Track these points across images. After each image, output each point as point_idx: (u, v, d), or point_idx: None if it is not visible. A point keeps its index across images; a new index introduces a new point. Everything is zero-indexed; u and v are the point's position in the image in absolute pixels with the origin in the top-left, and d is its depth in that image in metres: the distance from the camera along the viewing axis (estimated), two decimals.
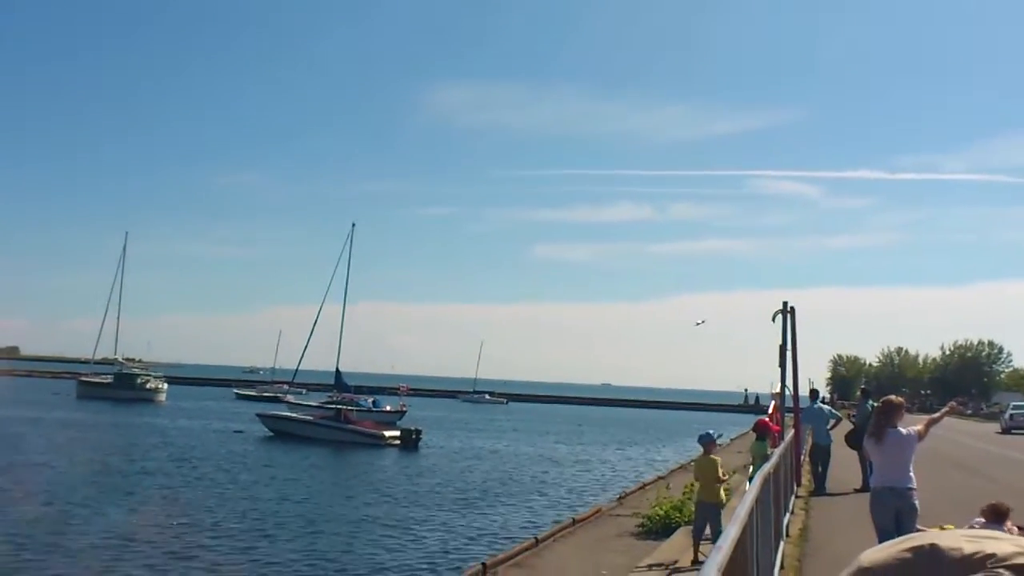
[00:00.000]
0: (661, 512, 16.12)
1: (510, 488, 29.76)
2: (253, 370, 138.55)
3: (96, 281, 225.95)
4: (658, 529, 15.66)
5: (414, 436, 43.56)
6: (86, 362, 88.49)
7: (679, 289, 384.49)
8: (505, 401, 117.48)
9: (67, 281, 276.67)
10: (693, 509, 14.77)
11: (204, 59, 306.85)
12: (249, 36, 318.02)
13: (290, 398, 61.11)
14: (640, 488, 23.84)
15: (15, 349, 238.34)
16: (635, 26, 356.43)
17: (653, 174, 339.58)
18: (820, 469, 18.41)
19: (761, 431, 14.26)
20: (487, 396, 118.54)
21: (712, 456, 11.82)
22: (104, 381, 78.13)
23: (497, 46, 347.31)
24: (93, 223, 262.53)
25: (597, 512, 19.14)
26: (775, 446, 13.59)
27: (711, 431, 12.18)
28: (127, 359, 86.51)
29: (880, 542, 2.90)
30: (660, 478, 25.91)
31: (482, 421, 72.96)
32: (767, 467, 7.72)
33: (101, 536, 18.37)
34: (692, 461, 28.20)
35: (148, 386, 77.59)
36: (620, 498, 22.01)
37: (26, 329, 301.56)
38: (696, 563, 10.94)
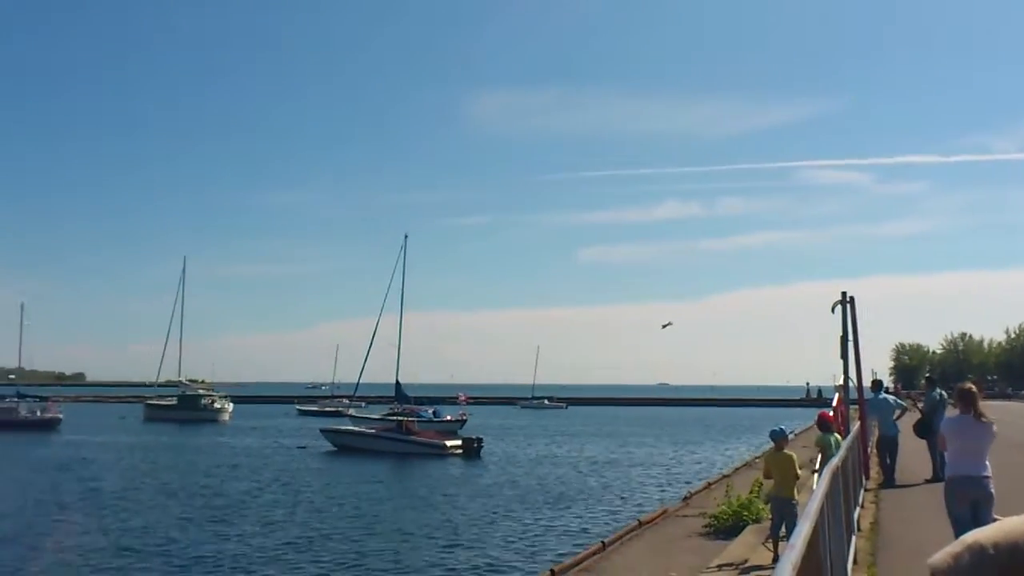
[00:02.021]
0: (729, 511, 15.96)
1: (573, 492, 29.71)
2: (316, 386, 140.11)
3: (158, 305, 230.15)
4: (726, 528, 15.50)
5: (475, 444, 43.71)
6: (150, 385, 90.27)
7: (733, 285, 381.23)
8: (564, 406, 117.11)
9: (130, 306, 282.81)
10: (763, 507, 14.63)
11: (248, 80, 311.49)
12: (290, 54, 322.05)
13: (352, 412, 61.61)
14: (705, 487, 23.63)
15: (81, 375, 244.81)
16: (673, 21, 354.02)
17: (699, 170, 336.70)
18: (889, 461, 18.07)
19: (824, 424, 13.99)
20: (546, 401, 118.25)
21: (786, 451, 11.63)
22: (169, 403, 79.60)
23: (533, 50, 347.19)
24: (153, 248, 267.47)
25: (663, 513, 19.03)
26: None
27: (783, 427, 12.01)
28: (190, 380, 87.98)
29: (957, 533, 2.87)
30: (725, 477, 25.64)
31: (542, 427, 72.89)
32: (835, 461, 7.62)
33: (191, 556, 18.76)
34: (757, 458, 27.96)
35: (212, 406, 78.86)
36: (686, 498, 21.83)
37: (92, 355, 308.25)
38: (776, 561, 10.78)
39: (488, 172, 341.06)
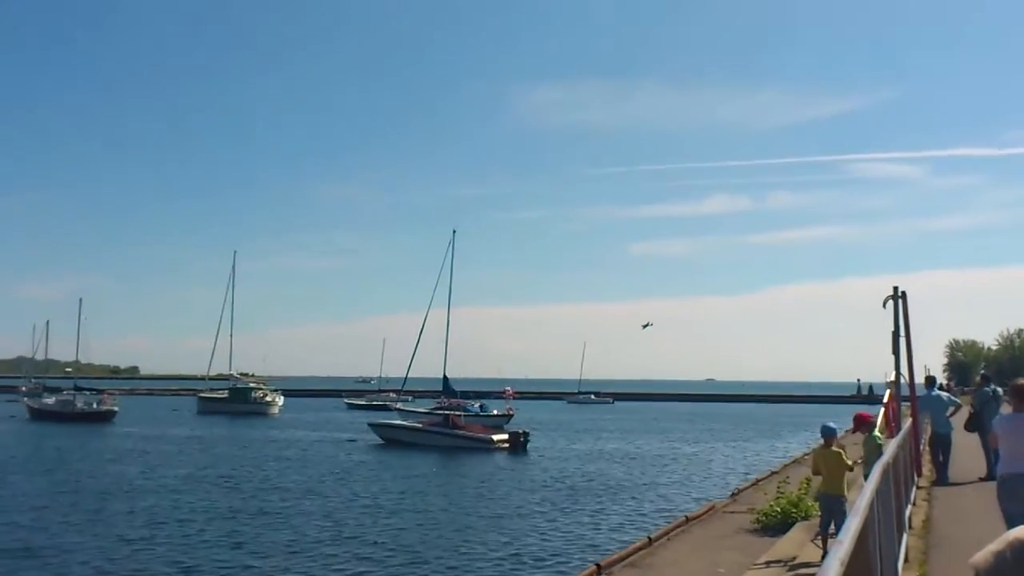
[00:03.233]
0: (777, 508, 15.85)
1: (620, 487, 29.67)
2: (365, 380, 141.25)
3: (209, 299, 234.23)
4: (775, 525, 15.39)
5: (522, 439, 43.80)
6: (202, 378, 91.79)
7: (782, 280, 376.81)
8: (611, 401, 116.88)
9: (183, 300, 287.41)
10: (812, 504, 14.50)
11: (299, 73, 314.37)
12: (340, 48, 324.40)
13: (399, 406, 62.00)
14: (753, 484, 23.47)
15: (136, 369, 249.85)
16: (722, 12, 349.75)
17: (748, 164, 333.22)
18: (941, 458, 17.79)
19: (865, 424, 13.45)
20: (593, 396, 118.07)
21: (835, 448, 11.48)
22: (221, 396, 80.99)
23: (581, 44, 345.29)
24: (204, 242, 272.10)
25: (710, 509, 18.94)
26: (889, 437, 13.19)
27: (832, 423, 11.86)
28: (241, 374, 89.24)
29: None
30: (773, 473, 25.43)
31: (589, 421, 72.84)
32: (886, 457, 7.55)
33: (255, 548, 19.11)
34: (806, 455, 27.65)
35: (263, 399, 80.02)
36: (733, 494, 21.71)
37: (145, 349, 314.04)
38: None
39: (538, 166, 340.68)
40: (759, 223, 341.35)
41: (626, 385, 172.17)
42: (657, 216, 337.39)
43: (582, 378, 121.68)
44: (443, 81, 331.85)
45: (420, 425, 47.92)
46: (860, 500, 4.67)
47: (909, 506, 11.93)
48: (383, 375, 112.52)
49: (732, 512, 18.32)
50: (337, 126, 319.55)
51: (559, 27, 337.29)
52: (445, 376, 51.18)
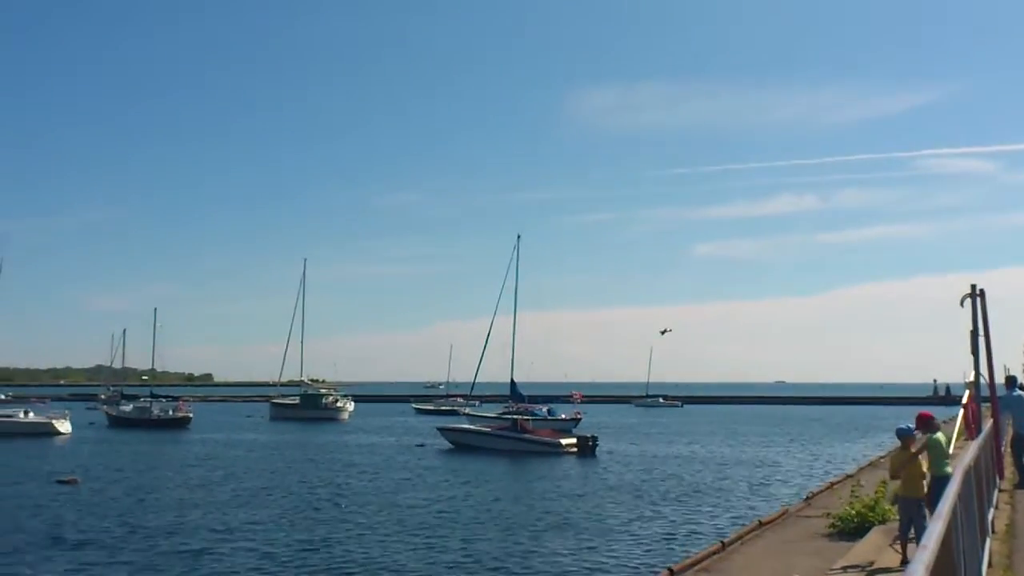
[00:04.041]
0: (853, 512, 15.50)
1: (690, 491, 29.40)
2: (434, 385, 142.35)
3: (280, 307, 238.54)
4: (851, 530, 15.07)
5: (591, 443, 43.64)
6: (273, 385, 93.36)
7: (852, 280, 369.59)
8: (680, 404, 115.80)
9: (255, 309, 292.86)
10: (889, 508, 14.15)
11: (364, 82, 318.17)
12: (403, 58, 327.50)
13: (467, 411, 62.26)
14: (828, 487, 22.99)
15: (209, 376, 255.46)
16: (785, 8, 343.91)
17: (814, 162, 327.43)
18: None
19: (927, 423, 12.95)
20: (661, 400, 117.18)
21: (913, 449, 11.19)
22: (292, 403, 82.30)
23: (638, 47, 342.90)
24: (275, 251, 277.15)
25: (784, 513, 18.61)
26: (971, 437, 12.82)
27: (909, 425, 11.55)
28: (312, 380, 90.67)
29: None
30: (848, 476, 24.90)
31: (657, 425, 72.27)
32: (967, 460, 7.34)
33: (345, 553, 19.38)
34: (882, 458, 27.05)
35: (333, 405, 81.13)
36: (807, 498, 21.30)
37: (218, 356, 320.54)
38: (905, 563, 10.43)
39: (600, 169, 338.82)
40: (827, 222, 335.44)
41: (695, 388, 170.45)
42: (721, 217, 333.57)
43: (649, 381, 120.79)
44: (503, 87, 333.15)
45: (489, 430, 48.06)
46: (942, 504, 4.56)
47: (991, 510, 11.59)
48: (450, 380, 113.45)
49: (806, 516, 17.98)
50: (402, 134, 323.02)
51: (615, 30, 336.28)
52: (512, 381, 51.28)
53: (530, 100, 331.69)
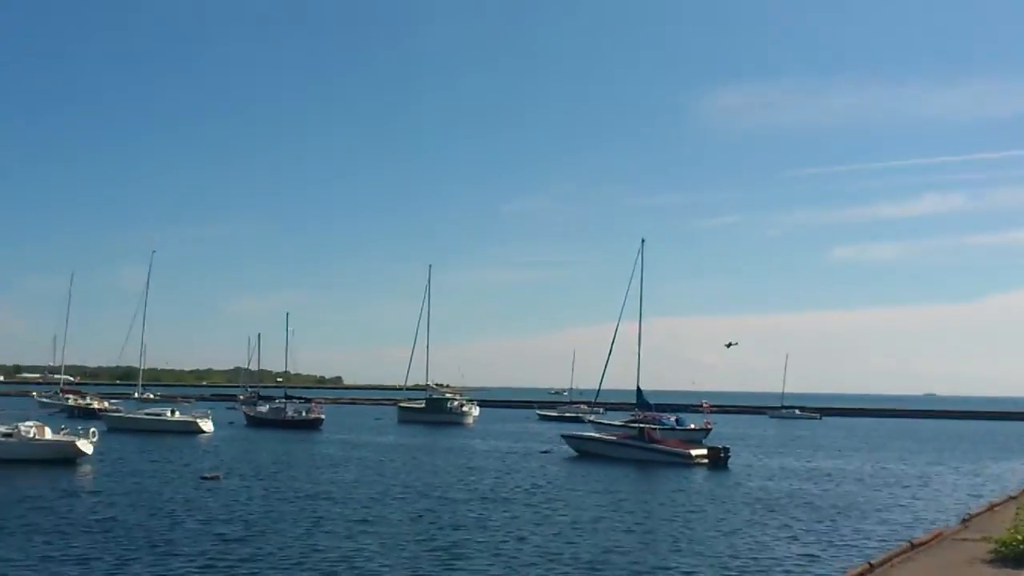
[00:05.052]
0: (1020, 537, 14.05)
1: (833, 508, 27.94)
2: (558, 391, 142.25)
3: (407, 312, 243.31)
4: (1016, 556, 13.66)
5: (722, 454, 42.25)
6: (400, 389, 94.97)
7: (1008, 284, 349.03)
8: (818, 416, 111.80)
9: (383, 313, 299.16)
10: None
11: (487, 86, 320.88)
12: (528, 61, 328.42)
13: (592, 418, 61.70)
14: (988, 509, 21.23)
15: (339, 379, 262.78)
16: (918, 4, 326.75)
17: (962, 159, 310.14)
18: None
19: None
20: (797, 411, 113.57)
21: None
22: (419, 406, 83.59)
23: (768, 42, 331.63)
24: (401, 256, 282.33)
25: (938, 536, 17.12)
26: None
27: None
28: (437, 384, 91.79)
29: None
30: (1012, 498, 22.94)
31: (793, 437, 69.66)
32: None
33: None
34: None
35: (459, 409, 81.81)
36: (964, 520, 19.66)
37: (348, 360, 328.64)
38: None
39: (728, 171, 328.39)
40: (978, 223, 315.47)
41: (835, 399, 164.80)
42: (860, 219, 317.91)
43: (785, 391, 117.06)
44: (628, 89, 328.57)
45: (615, 438, 47.28)
46: None
47: None
48: (574, 387, 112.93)
49: (964, 540, 16.50)
50: (528, 139, 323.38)
51: (744, 27, 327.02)
52: (639, 388, 50.60)
53: (656, 101, 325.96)
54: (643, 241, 53.63)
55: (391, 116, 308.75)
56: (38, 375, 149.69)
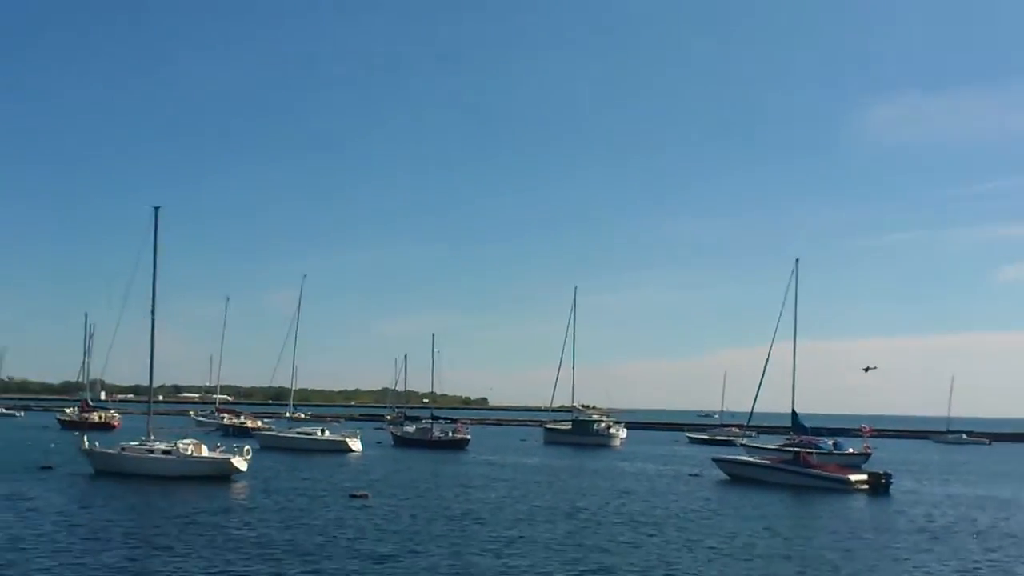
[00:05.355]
0: None
1: (1006, 539, 26.06)
2: (708, 414, 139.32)
3: (552, 333, 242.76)
4: None
5: (883, 480, 40.10)
6: (545, 410, 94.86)
7: None
8: (987, 441, 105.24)
9: (527, 334, 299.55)
10: None
11: (632, 108, 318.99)
12: (673, 80, 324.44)
13: (744, 441, 60.21)
14: None
15: (484, 400, 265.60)
16: None
17: None
18: None
19: None
20: (964, 436, 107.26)
21: None
22: (564, 428, 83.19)
23: (933, 52, 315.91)
24: (547, 277, 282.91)
25: None
26: None
27: None
28: (583, 406, 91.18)
29: None
30: None
31: (961, 464, 65.55)
32: None
33: None
34: None
35: (606, 431, 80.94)
36: None
37: (494, 380, 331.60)
38: None
39: (891, 187, 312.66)
40: None
41: (1005, 424, 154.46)
42: None
43: (951, 415, 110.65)
44: (781, 102, 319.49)
45: (768, 462, 45.69)
46: None
47: None
48: (725, 409, 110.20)
49: None
50: (667, 158, 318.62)
51: (901, 37, 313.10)
52: (794, 411, 49.13)
53: (811, 115, 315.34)
54: (797, 261, 52.89)
55: (538, 140, 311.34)
56: (198, 395, 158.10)
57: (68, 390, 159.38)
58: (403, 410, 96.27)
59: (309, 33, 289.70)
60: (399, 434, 73.55)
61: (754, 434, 69.56)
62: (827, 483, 40.83)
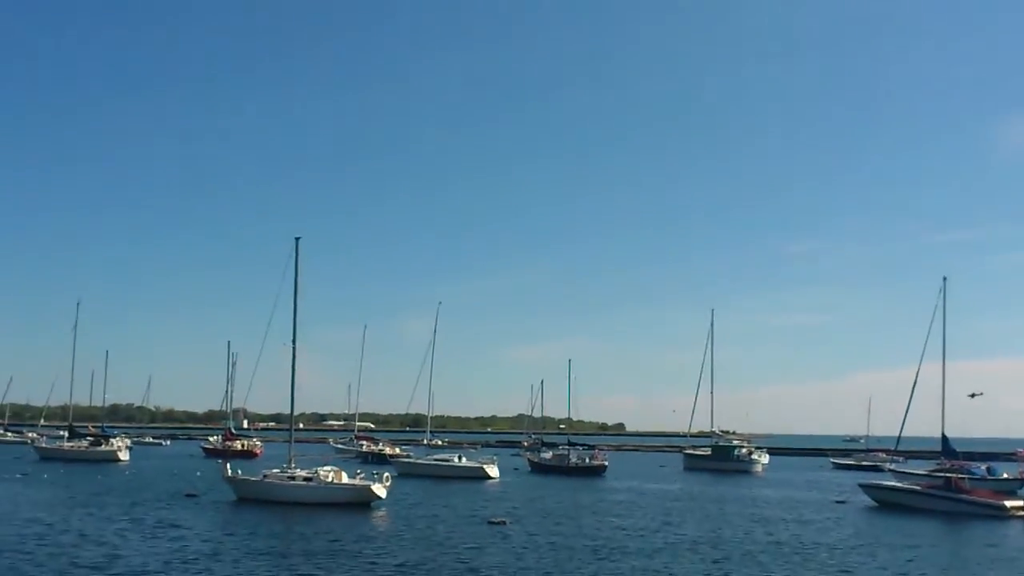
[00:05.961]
0: None
1: None
2: (853, 439, 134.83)
3: (690, 358, 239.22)
4: None
5: None
6: (683, 435, 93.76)
7: None
8: None
9: (664, 359, 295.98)
10: None
11: (756, 122, 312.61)
12: (810, 94, 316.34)
13: (891, 467, 58.35)
14: None
15: (621, 425, 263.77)
16: None
17: None
18: None
19: None
20: None
21: None
22: (704, 453, 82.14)
23: None
24: (683, 303, 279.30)
25: None
26: None
27: None
28: (722, 431, 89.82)
29: None
30: None
31: None
32: None
33: None
34: None
35: (747, 457, 79.54)
36: None
37: (632, 406, 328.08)
38: None
39: None
40: None
41: None
42: None
43: None
44: (925, 116, 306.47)
45: (919, 488, 44.23)
46: None
47: None
48: (870, 434, 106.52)
49: None
50: (810, 178, 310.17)
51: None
52: (944, 435, 47.52)
53: (955, 129, 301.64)
54: (945, 279, 51.22)
55: (669, 158, 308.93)
56: (341, 423, 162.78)
57: (212, 419, 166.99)
58: (540, 436, 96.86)
59: (442, 68, 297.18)
60: (536, 460, 74.08)
61: (902, 459, 67.24)
62: (982, 509, 39.31)
